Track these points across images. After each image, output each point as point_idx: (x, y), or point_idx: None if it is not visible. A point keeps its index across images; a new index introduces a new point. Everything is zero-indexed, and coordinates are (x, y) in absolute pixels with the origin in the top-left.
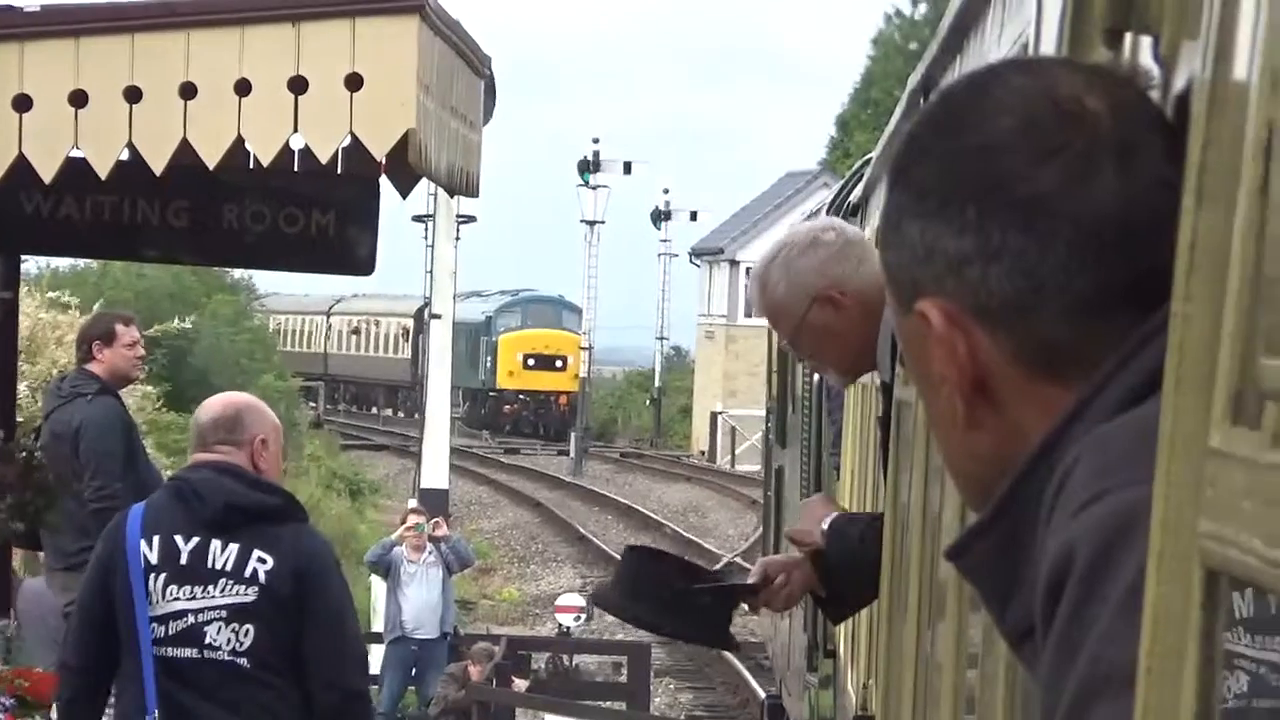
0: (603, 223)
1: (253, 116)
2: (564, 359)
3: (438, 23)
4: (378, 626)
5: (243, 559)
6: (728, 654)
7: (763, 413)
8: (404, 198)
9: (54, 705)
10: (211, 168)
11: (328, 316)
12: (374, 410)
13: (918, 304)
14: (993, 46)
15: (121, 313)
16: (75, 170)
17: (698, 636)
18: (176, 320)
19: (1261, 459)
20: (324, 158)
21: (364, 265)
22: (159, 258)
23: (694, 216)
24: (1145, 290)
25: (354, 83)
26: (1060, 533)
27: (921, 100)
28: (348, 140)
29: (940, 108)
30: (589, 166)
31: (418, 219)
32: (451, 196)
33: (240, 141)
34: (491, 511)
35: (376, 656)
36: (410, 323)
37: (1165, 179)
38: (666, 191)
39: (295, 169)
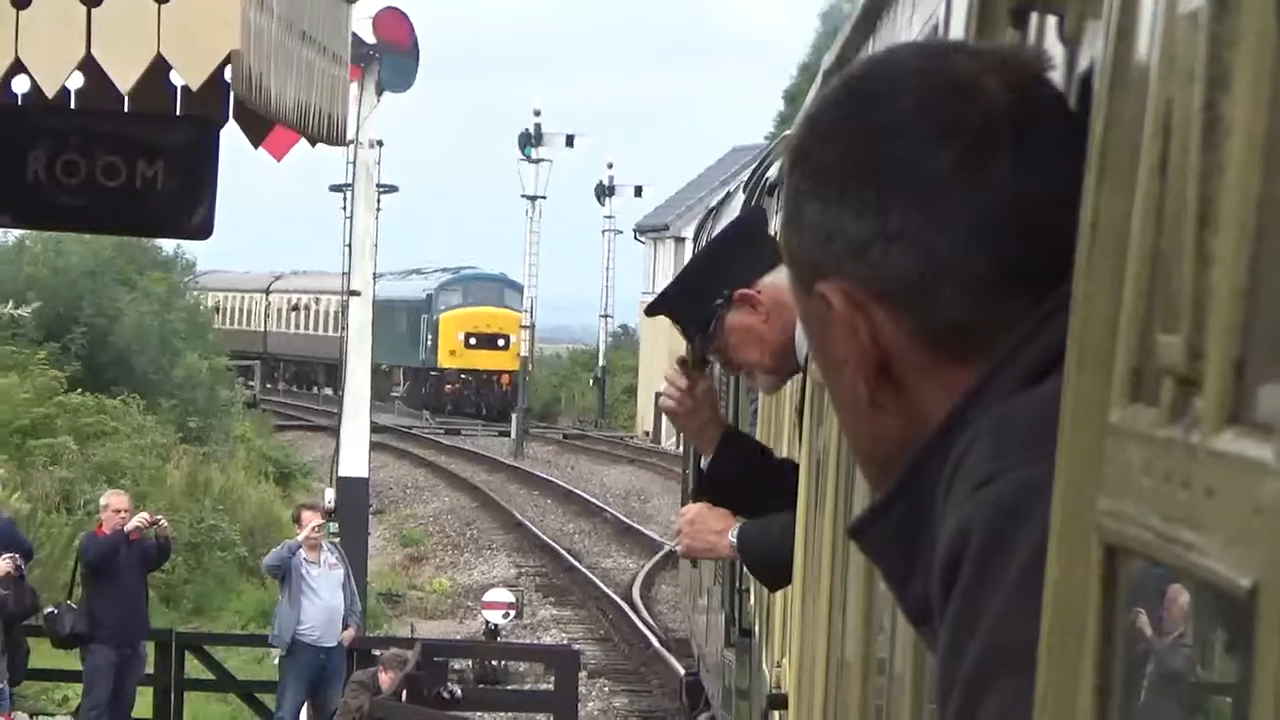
0: (544, 198)
1: (34, 34)
2: (506, 338)
3: None
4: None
5: None
6: (666, 654)
7: None
8: (255, 147)
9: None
10: None
11: (267, 294)
12: (314, 389)
13: (818, 286)
14: (904, 28)
15: None
16: None
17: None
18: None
19: (1158, 435)
20: (124, 86)
21: (199, 229)
22: None
23: (639, 192)
24: (1044, 270)
25: None
26: (957, 512)
27: None
28: (168, 70)
29: (840, 90)
30: (530, 140)
31: (335, 189)
32: (313, 145)
33: (19, 66)
34: (428, 495)
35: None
36: None
37: (1062, 160)
38: (610, 166)
39: (125, 110)
